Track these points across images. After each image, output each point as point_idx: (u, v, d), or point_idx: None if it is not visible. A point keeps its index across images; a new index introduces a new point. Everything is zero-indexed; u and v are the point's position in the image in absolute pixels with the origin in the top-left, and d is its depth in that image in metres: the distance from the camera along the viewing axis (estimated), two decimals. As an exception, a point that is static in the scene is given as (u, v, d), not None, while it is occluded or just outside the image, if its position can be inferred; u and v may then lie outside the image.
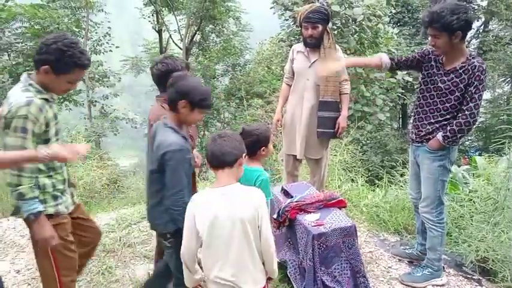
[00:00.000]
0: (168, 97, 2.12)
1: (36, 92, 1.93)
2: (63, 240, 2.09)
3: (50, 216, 2.02)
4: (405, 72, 9.00)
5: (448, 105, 2.66)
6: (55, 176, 2.05)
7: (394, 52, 8.70)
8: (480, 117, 11.47)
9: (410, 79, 8.19)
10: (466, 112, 2.58)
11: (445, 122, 2.68)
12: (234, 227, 1.76)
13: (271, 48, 15.64)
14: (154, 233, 2.77)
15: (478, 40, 14.76)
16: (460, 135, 2.63)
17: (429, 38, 2.69)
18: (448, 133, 2.63)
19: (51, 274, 2.10)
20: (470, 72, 2.54)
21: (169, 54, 2.66)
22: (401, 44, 9.86)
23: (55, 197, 2.06)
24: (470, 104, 2.57)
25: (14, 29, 10.59)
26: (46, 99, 1.96)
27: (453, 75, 2.61)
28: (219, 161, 1.83)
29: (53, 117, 1.98)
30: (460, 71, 2.58)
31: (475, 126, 2.73)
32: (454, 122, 2.62)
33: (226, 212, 1.76)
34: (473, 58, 2.57)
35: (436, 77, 2.71)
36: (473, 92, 2.55)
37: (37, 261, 2.15)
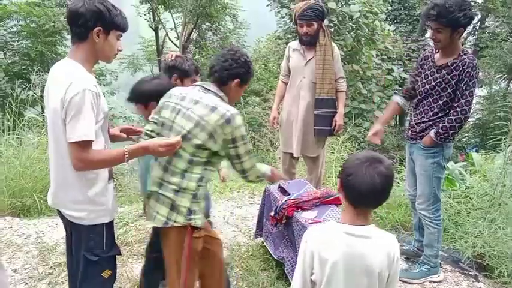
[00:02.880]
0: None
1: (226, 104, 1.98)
2: (197, 254, 2.00)
3: (195, 228, 1.94)
4: (402, 69, 9.05)
5: (440, 102, 2.67)
6: (205, 187, 2.00)
7: (390, 49, 8.72)
8: (477, 113, 11.48)
9: (407, 76, 8.21)
10: (457, 109, 2.59)
11: (438, 119, 2.69)
12: (361, 277, 1.45)
13: (268, 45, 15.62)
14: (151, 231, 2.76)
15: (475, 37, 14.79)
16: (451, 131, 2.63)
17: (429, 33, 2.71)
18: (440, 130, 2.64)
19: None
20: (461, 69, 2.55)
21: (186, 55, 2.70)
22: (398, 41, 9.89)
23: (203, 209, 2.01)
24: (461, 101, 2.58)
25: (9, 28, 10.49)
26: None
27: (444, 72, 2.62)
28: (372, 202, 1.48)
29: None
30: (452, 68, 2.59)
31: (466, 122, 2.75)
32: (446, 119, 2.63)
33: (355, 258, 1.43)
34: (464, 55, 2.58)
35: (429, 73, 2.72)
36: (464, 88, 2.56)
37: (170, 274, 2.01)
